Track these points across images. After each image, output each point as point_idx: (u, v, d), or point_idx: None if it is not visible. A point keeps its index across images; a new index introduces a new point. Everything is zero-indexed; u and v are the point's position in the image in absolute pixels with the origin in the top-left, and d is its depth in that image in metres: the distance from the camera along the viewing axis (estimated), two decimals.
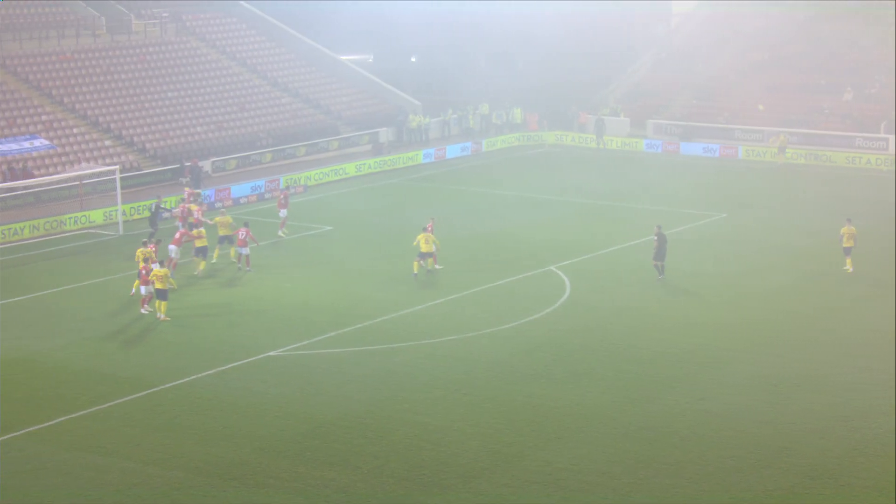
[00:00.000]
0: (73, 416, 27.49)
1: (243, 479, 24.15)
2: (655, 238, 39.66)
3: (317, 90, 70.13)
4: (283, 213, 46.46)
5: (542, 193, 55.50)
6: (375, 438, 26.14)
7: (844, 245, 40.27)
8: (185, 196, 47.36)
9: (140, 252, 37.36)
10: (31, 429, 26.69)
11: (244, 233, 40.80)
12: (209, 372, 30.55)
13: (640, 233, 45.33)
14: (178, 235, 41.01)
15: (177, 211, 45.25)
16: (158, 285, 35.03)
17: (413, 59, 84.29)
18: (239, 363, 31.27)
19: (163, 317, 35.09)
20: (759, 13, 77.96)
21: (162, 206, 46.47)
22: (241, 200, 53.47)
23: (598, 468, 24.61)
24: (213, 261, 41.80)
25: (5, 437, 26.22)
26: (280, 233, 46.10)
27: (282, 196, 47.00)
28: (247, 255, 40.91)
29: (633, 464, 24.81)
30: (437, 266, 40.60)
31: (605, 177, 60.45)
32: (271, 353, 32.11)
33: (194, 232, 41.29)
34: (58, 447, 25.67)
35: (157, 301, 35.27)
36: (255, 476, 24.30)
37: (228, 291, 38.84)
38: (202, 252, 40.69)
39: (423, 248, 39.77)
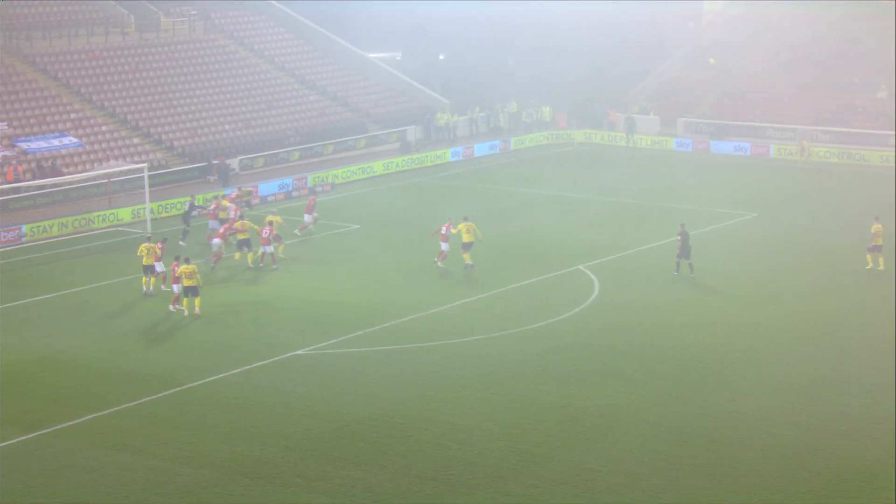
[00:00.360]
0: (101, 413, 27.66)
1: (270, 478, 24.22)
2: (679, 237, 39.66)
3: (345, 88, 70.28)
4: (307, 217, 46.36)
5: (570, 192, 55.38)
6: (402, 438, 26.15)
7: (876, 244, 40.04)
8: (236, 194, 47.95)
9: (144, 247, 37.68)
10: (58, 426, 26.88)
11: (268, 231, 41.06)
12: (236, 370, 30.66)
13: (670, 232, 45.06)
14: (222, 230, 41.63)
15: (212, 209, 45.58)
16: (187, 282, 35.21)
17: (441, 57, 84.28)
18: (266, 362, 31.37)
19: (197, 311, 35.26)
20: (791, 11, 77.41)
21: (195, 203, 46.86)
22: (269, 198, 53.63)
23: (627, 469, 24.53)
24: (280, 256, 42.18)
25: (33, 434, 26.41)
26: (296, 231, 45.95)
27: (311, 201, 47.00)
28: (271, 253, 41.16)
29: (662, 465, 24.71)
30: (439, 263, 40.85)
31: (635, 176, 60.22)
32: (298, 352, 32.19)
33: (237, 224, 41.78)
34: (85, 445, 25.84)
35: (187, 298, 35.41)
36: (281, 475, 24.37)
37: (256, 290, 38.97)
38: (245, 244, 41.35)
39: (465, 239, 40.13)
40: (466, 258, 40.44)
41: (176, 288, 35.79)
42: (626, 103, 73.89)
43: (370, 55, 74.78)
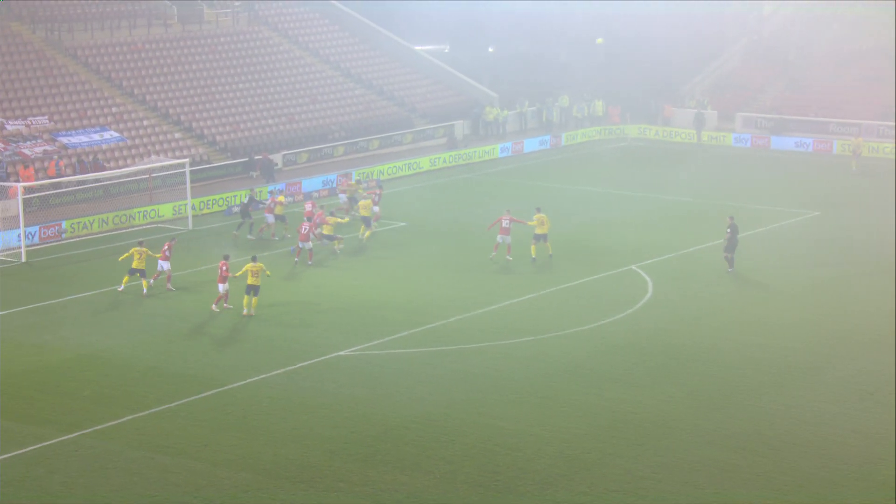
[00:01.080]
0: (141, 414, 27.94)
1: (312, 483, 24.34)
2: (728, 230, 39.56)
3: (391, 81, 70.42)
4: (375, 208, 46.56)
5: (623, 189, 55.13)
6: (448, 442, 26.17)
7: None
8: (346, 184, 48.71)
9: (135, 251, 38.21)
10: (98, 427, 27.18)
11: (307, 227, 41.37)
12: (278, 371, 30.84)
13: (727, 231, 44.69)
14: (317, 216, 42.77)
15: (268, 202, 46.13)
16: (252, 280, 35.18)
17: (491, 50, 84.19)
18: (309, 362, 31.52)
19: (251, 311, 35.31)
20: (852, 11, 76.38)
21: (256, 197, 47.41)
22: (313, 195, 53.80)
23: (681, 477, 24.38)
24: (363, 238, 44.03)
25: (73, 434, 26.72)
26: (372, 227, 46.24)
27: (375, 195, 47.13)
28: (310, 249, 41.46)
29: (717, 473, 24.54)
30: (508, 256, 41.61)
31: (691, 173, 59.85)
32: (342, 353, 32.31)
33: (328, 218, 43.03)
34: (125, 446, 26.10)
35: (248, 296, 35.46)
36: (324, 479, 24.48)
37: (298, 288, 39.15)
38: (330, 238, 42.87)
39: (539, 230, 41.24)
40: (533, 251, 41.47)
41: (221, 288, 35.98)
42: (682, 97, 73.37)
43: (417, 48, 74.87)
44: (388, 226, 47.91)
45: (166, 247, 38.85)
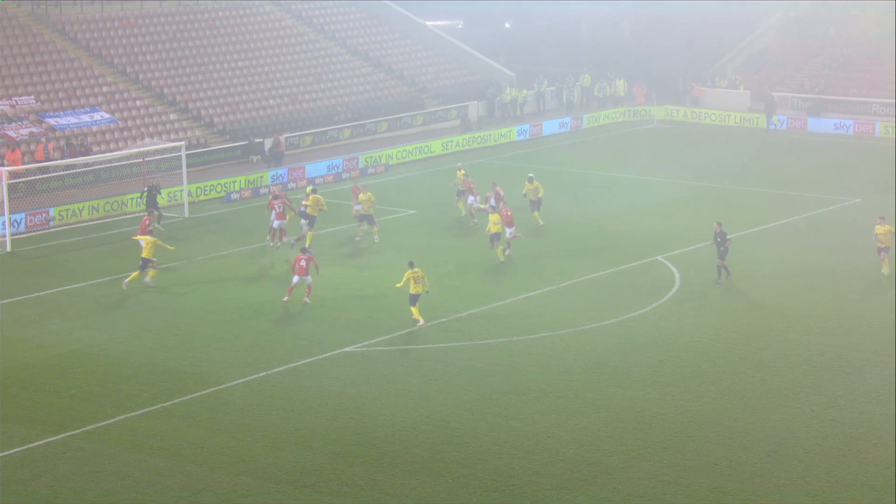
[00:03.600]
0: (134, 414, 28.04)
1: (316, 487, 24.42)
2: (717, 238, 37.85)
3: (400, 59, 70.44)
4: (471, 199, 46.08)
5: (648, 175, 55.08)
6: (461, 444, 26.22)
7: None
8: (492, 189, 46.02)
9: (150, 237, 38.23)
10: (88, 427, 27.29)
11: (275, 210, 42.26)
12: (280, 368, 30.92)
13: (761, 219, 44.75)
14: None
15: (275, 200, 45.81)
16: (413, 289, 33.86)
17: (507, 25, 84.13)
18: (313, 359, 31.60)
19: (416, 317, 34.14)
20: None
21: (159, 194, 46.17)
22: (317, 181, 53.81)
23: (710, 482, 24.39)
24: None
25: (62, 435, 26.84)
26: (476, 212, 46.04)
27: (467, 182, 46.48)
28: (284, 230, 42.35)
29: (749, 478, 24.54)
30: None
31: (721, 156, 59.79)
32: (347, 349, 32.37)
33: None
34: (117, 448, 26.22)
35: (413, 307, 34.42)
36: (328, 483, 24.55)
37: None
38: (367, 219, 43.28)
39: (533, 197, 44.80)
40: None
41: (307, 279, 35.82)
42: (713, 76, 73.21)
43: (429, 23, 74.86)
44: (396, 214, 47.96)
45: (146, 221, 40.01)
